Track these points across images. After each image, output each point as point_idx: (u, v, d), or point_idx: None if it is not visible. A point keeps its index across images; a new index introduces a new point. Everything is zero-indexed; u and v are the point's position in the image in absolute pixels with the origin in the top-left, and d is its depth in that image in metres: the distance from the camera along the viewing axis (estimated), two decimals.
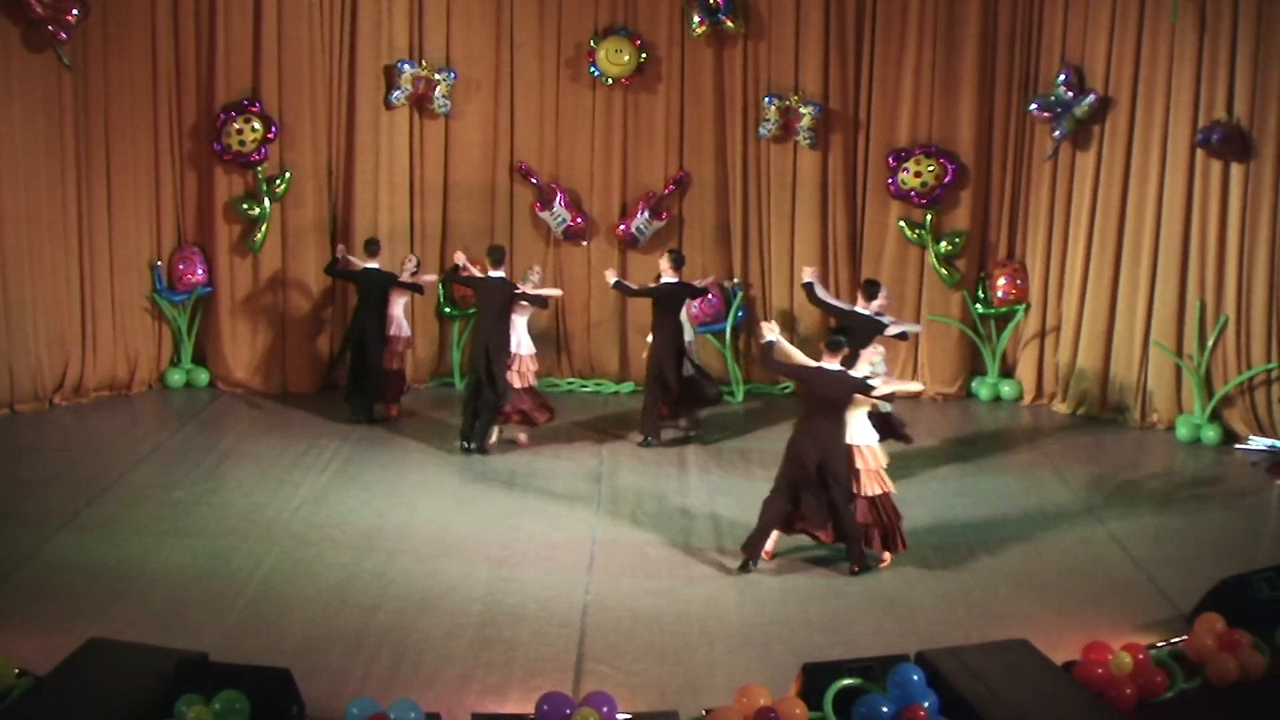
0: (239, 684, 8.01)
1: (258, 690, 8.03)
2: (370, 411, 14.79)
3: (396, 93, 15.84)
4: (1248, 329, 14.41)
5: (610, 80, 16.23)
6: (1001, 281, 16.27)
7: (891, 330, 13.04)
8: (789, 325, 16.03)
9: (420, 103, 16.01)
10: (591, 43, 16.18)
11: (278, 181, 15.75)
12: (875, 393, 10.87)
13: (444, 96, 15.94)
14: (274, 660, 8.55)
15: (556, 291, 14.92)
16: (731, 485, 12.89)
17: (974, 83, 16.01)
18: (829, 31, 16.08)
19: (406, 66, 15.80)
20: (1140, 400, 15.28)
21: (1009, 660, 8.74)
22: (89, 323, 15.20)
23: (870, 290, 13.19)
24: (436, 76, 15.87)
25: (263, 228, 15.77)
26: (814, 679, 8.44)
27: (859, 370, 10.96)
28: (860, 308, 12.95)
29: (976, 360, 16.64)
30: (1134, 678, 8.87)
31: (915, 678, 8.31)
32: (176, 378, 15.97)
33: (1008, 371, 16.59)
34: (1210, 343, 14.61)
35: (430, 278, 15.09)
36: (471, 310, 15.51)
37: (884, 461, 11.10)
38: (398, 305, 14.82)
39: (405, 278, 14.73)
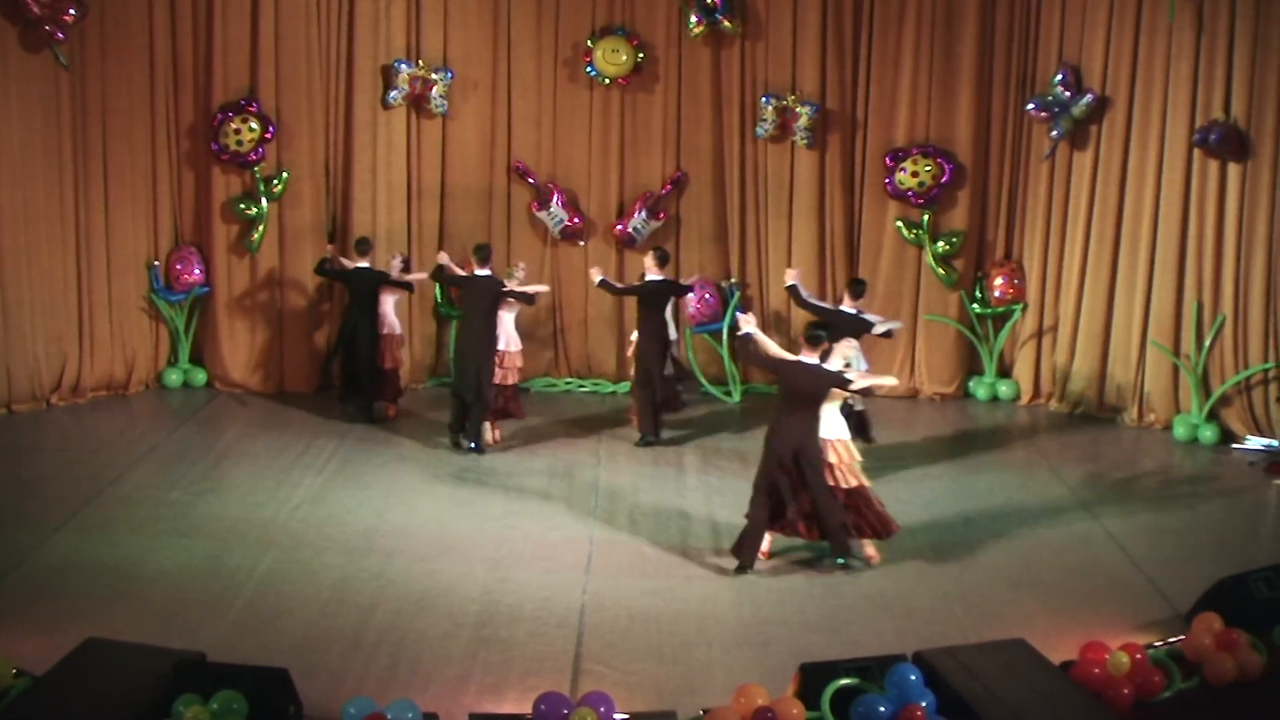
0: (237, 684, 7.99)
1: (255, 690, 8.02)
2: (369, 411, 14.79)
3: (394, 93, 15.84)
4: (1245, 328, 14.42)
5: (607, 80, 16.24)
6: (999, 281, 16.27)
7: (878, 329, 13.10)
8: (784, 325, 16.06)
9: (417, 102, 16.01)
10: (589, 43, 16.19)
11: (275, 181, 15.75)
12: (853, 387, 10.92)
13: (441, 96, 15.94)
14: (272, 660, 8.54)
15: (543, 288, 14.93)
16: (729, 485, 12.87)
17: (971, 82, 16.02)
18: (826, 31, 16.09)
19: (404, 66, 15.80)
20: (1137, 400, 15.29)
21: (1006, 660, 8.74)
22: (86, 323, 15.20)
23: (856, 289, 13.21)
24: (434, 76, 15.87)
25: (260, 228, 15.76)
26: (812, 679, 8.44)
27: (833, 364, 10.97)
28: (846, 307, 12.95)
29: (974, 360, 16.64)
30: (1131, 677, 8.86)
31: (913, 677, 8.31)
32: (174, 378, 15.96)
33: (1005, 371, 16.60)
34: (1208, 342, 14.62)
35: (420, 275, 15.09)
36: None
37: (856, 456, 11.14)
38: (389, 304, 14.84)
39: (395, 275, 14.75)
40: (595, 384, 16.58)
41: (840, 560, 10.91)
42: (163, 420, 14.93)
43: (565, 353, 16.73)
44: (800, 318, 15.96)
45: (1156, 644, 9.48)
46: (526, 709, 8.13)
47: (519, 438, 14.37)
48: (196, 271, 15.85)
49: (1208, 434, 14.59)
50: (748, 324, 11.18)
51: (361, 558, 10.98)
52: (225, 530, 11.51)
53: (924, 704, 8.17)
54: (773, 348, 11.26)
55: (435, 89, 15.88)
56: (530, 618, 9.95)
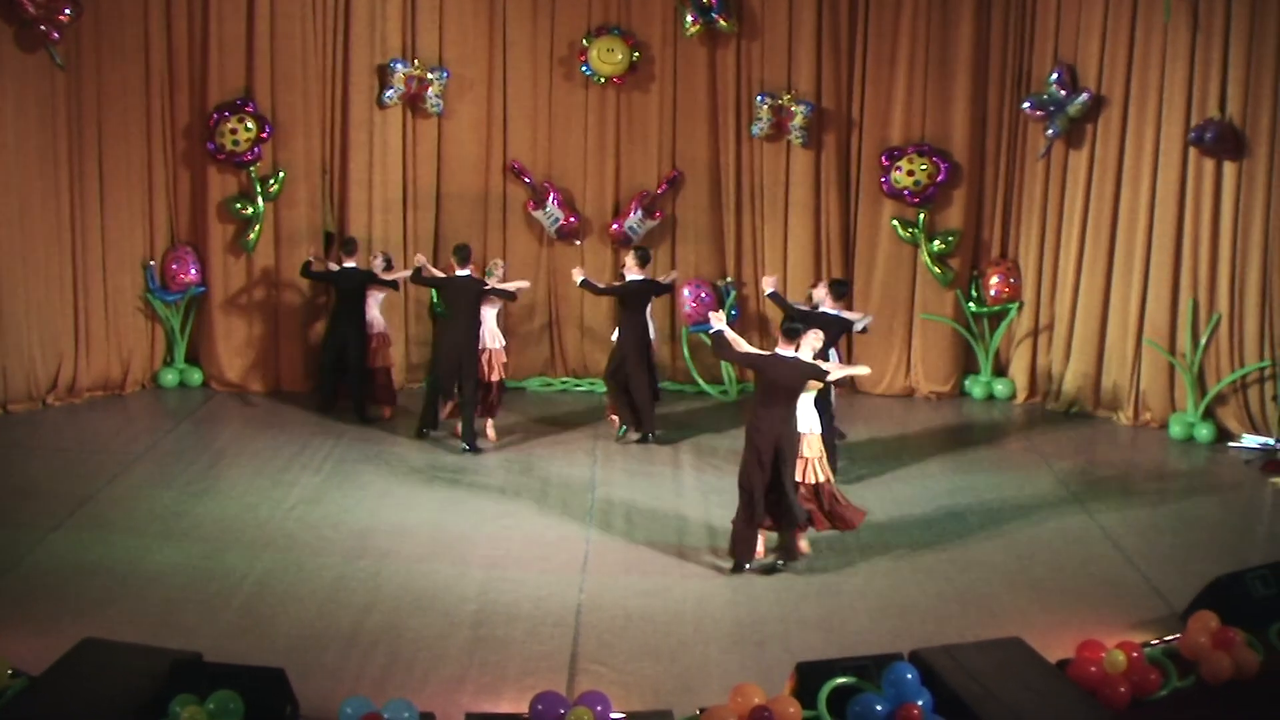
0: (233, 684, 8.00)
1: (252, 690, 8.03)
2: (363, 412, 14.81)
3: (389, 92, 15.83)
4: (1240, 327, 14.43)
5: (603, 79, 16.24)
6: (994, 280, 16.28)
7: (857, 326, 13.17)
8: (773, 325, 16.06)
9: (413, 102, 15.99)
10: (584, 42, 16.19)
11: (271, 181, 15.73)
12: (830, 377, 11.00)
13: (437, 96, 15.93)
14: (268, 660, 8.54)
15: (524, 284, 14.90)
16: (725, 484, 12.80)
17: (967, 81, 16.02)
18: (821, 30, 16.09)
19: (399, 66, 15.79)
20: (1133, 398, 15.29)
21: (1003, 658, 8.74)
22: (82, 323, 15.18)
23: (838, 290, 13.22)
24: (429, 76, 15.86)
25: (256, 227, 15.75)
26: (808, 678, 8.45)
27: (804, 355, 10.95)
28: (828, 308, 12.95)
29: (970, 359, 16.65)
30: (1128, 676, 8.87)
31: (909, 676, 8.31)
32: (170, 378, 15.95)
33: (1001, 370, 16.60)
34: (1203, 341, 14.63)
35: (404, 273, 15.03)
36: None
37: (822, 452, 11.19)
38: (374, 304, 14.87)
39: (379, 274, 14.78)
40: (591, 383, 16.55)
41: (780, 564, 10.91)
42: (159, 420, 14.92)
43: (561, 352, 16.73)
44: None
45: (1153, 642, 9.50)
46: (523, 708, 8.13)
47: (515, 437, 14.37)
48: (192, 271, 15.83)
49: (1204, 432, 14.60)
50: (718, 321, 11.21)
51: (358, 558, 10.99)
52: (222, 530, 11.51)
53: (920, 703, 8.17)
54: (743, 344, 11.36)
55: (431, 88, 15.87)
56: (527, 617, 9.95)
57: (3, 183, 14.30)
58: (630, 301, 14.20)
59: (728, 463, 13.63)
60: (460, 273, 13.86)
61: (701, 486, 13.00)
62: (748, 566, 10.89)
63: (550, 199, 16.25)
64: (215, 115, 15.52)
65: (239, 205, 15.71)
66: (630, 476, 13.30)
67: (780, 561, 10.94)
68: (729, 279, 16.48)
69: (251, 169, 15.62)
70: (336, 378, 14.99)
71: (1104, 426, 15.38)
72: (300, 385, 15.92)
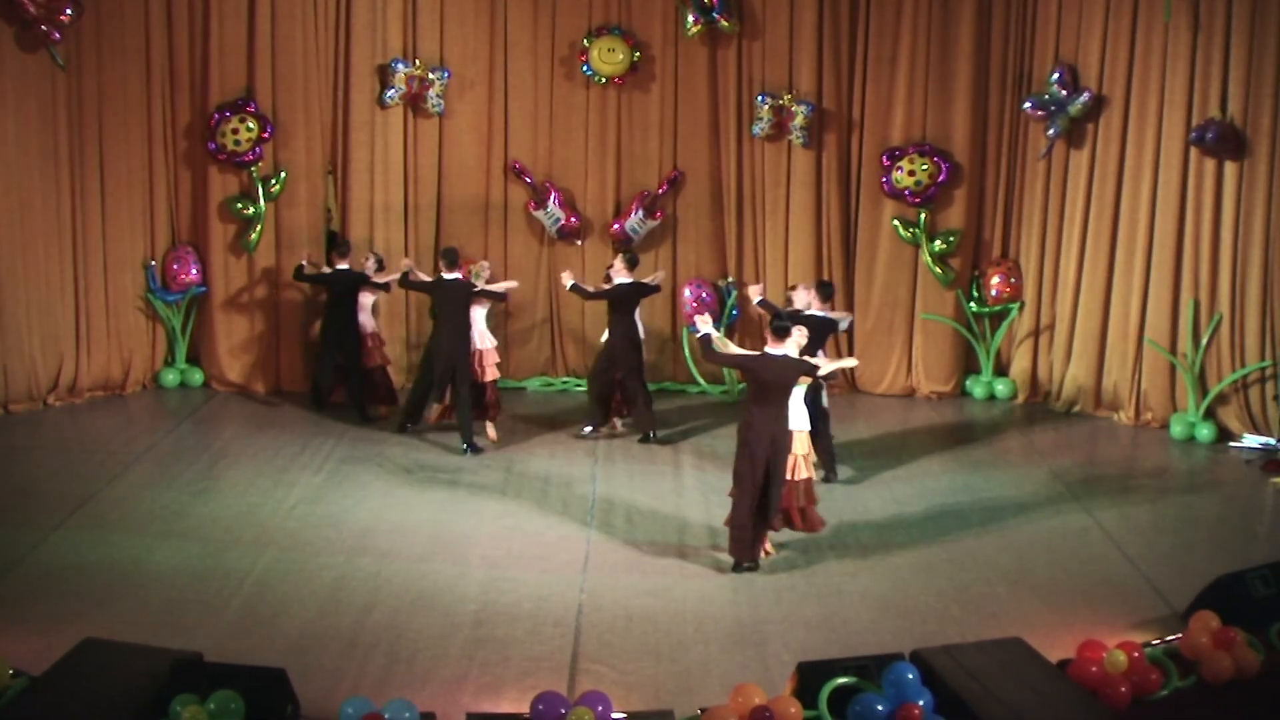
0: (234, 684, 8.00)
1: (253, 690, 8.02)
2: (364, 412, 14.81)
3: (390, 92, 15.84)
4: (1242, 327, 14.43)
5: (603, 79, 16.24)
6: (995, 280, 16.28)
7: (842, 326, 13.21)
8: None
9: (414, 102, 16.00)
10: (585, 42, 16.19)
11: (272, 181, 15.74)
12: (820, 372, 11.05)
13: (438, 96, 15.94)
14: (269, 660, 8.54)
15: (513, 284, 15.01)
16: (726, 484, 12.76)
17: (968, 81, 16.03)
18: (823, 30, 16.09)
19: (400, 66, 15.79)
20: (1134, 398, 15.29)
21: (1004, 658, 8.74)
22: (83, 323, 15.19)
23: (825, 291, 13.23)
24: (430, 76, 15.86)
25: (257, 227, 15.75)
26: (809, 678, 8.44)
27: (790, 351, 10.95)
28: (816, 310, 12.96)
29: (971, 359, 16.65)
30: (1129, 676, 8.87)
31: (910, 676, 8.31)
32: (171, 378, 15.96)
33: (1002, 370, 16.60)
34: (1204, 341, 14.62)
35: (395, 275, 15.00)
36: None
37: (809, 449, 11.28)
38: (367, 305, 14.89)
39: (371, 276, 14.80)
40: None
41: (747, 567, 10.90)
42: (159, 420, 14.92)
43: (562, 352, 16.72)
44: None
45: (1154, 642, 9.49)
46: (524, 708, 8.13)
47: (515, 437, 14.37)
48: (193, 271, 15.84)
49: (1205, 432, 14.59)
50: (704, 325, 11.20)
51: (358, 557, 10.98)
52: (222, 530, 11.51)
53: (921, 703, 8.17)
54: (732, 347, 11.43)
55: (432, 89, 15.88)
56: (527, 617, 9.94)
57: (4, 183, 14.30)
58: (620, 304, 14.23)
59: (728, 463, 13.58)
60: (448, 276, 13.87)
61: (702, 486, 12.99)
62: (748, 566, 10.88)
63: (551, 199, 16.25)
64: (216, 115, 15.53)
65: (240, 205, 15.72)
66: (631, 476, 13.30)
67: (746, 566, 10.92)
68: (730, 279, 16.48)
69: (253, 169, 15.63)
70: (332, 378, 15.01)
71: (1105, 426, 15.38)
72: (301, 385, 15.92)
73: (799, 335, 10.94)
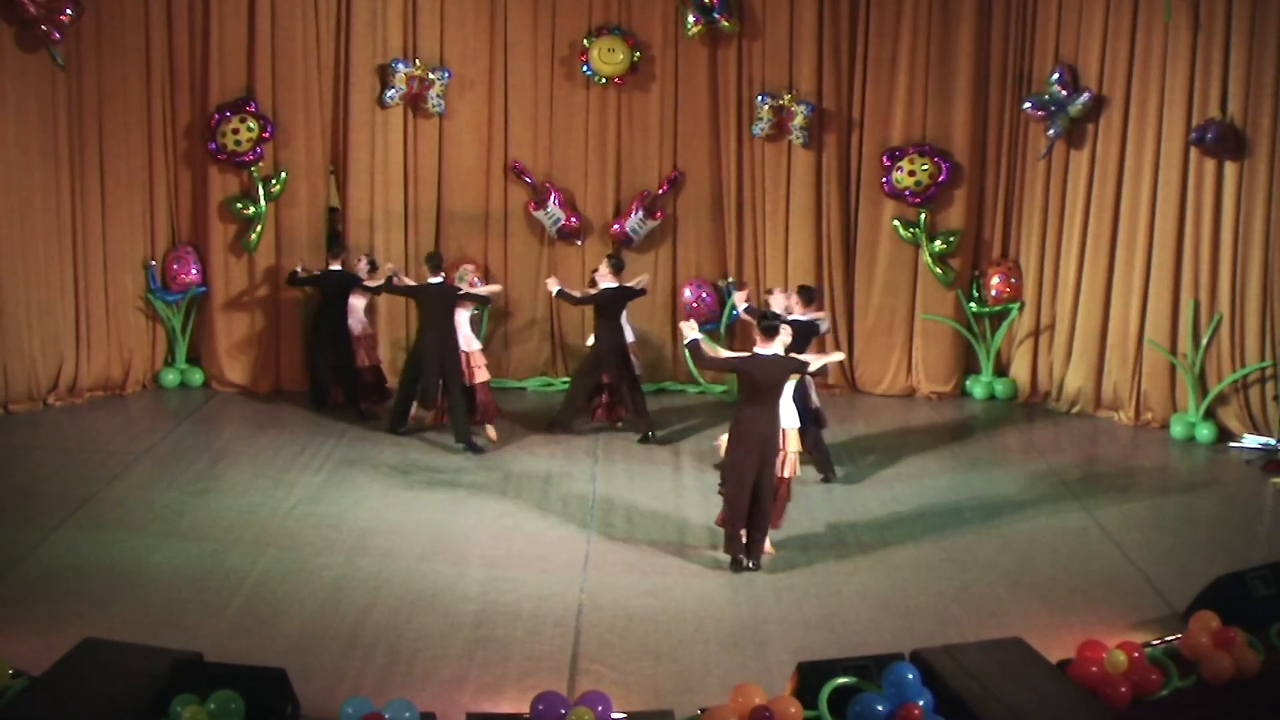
0: (234, 684, 8.00)
1: (253, 690, 8.03)
2: (361, 412, 14.82)
3: (391, 92, 15.83)
4: (1242, 327, 14.43)
5: (603, 79, 16.24)
6: (996, 280, 16.28)
7: (823, 328, 13.37)
8: None
9: (414, 102, 15.99)
10: (585, 42, 16.19)
11: (273, 181, 15.74)
12: (810, 369, 11.17)
13: (438, 96, 15.93)
14: (269, 660, 8.54)
15: (497, 287, 15.12)
16: None
17: (968, 81, 16.02)
18: (823, 30, 16.08)
19: (400, 66, 15.79)
20: (1134, 398, 15.29)
21: (1004, 658, 8.74)
22: (83, 323, 15.18)
23: (807, 295, 13.23)
24: (430, 76, 15.86)
25: (258, 227, 15.75)
26: (809, 678, 8.44)
27: (778, 350, 10.96)
28: (799, 314, 12.96)
29: (971, 359, 16.65)
30: (1129, 676, 8.87)
31: (910, 676, 8.31)
32: (171, 378, 15.95)
33: (1002, 370, 16.60)
34: (1204, 341, 14.62)
35: (380, 281, 14.96)
36: None
37: (799, 447, 11.38)
38: (359, 306, 14.92)
39: (363, 278, 14.84)
40: None
41: (750, 565, 10.91)
42: (159, 420, 14.92)
43: (562, 352, 16.71)
44: None
45: (1154, 642, 9.49)
46: (524, 708, 8.13)
47: (515, 437, 14.37)
48: (193, 271, 15.84)
49: (1205, 432, 14.59)
50: (691, 331, 11.21)
51: (358, 557, 10.99)
52: (222, 530, 11.51)
53: (921, 703, 8.17)
54: (721, 350, 11.49)
55: (432, 89, 15.87)
56: (527, 617, 9.94)
57: (3, 183, 14.30)
58: (606, 309, 14.24)
59: None
60: (432, 280, 13.88)
61: (702, 486, 12.97)
62: (750, 566, 10.88)
63: (551, 199, 16.25)
64: (216, 115, 15.52)
65: (240, 205, 15.72)
66: (630, 476, 13.30)
67: (750, 563, 10.92)
68: (730, 279, 16.48)
69: (253, 169, 15.63)
70: (329, 378, 15.04)
71: (1105, 426, 15.39)
72: (300, 385, 15.90)
73: (785, 334, 10.98)
